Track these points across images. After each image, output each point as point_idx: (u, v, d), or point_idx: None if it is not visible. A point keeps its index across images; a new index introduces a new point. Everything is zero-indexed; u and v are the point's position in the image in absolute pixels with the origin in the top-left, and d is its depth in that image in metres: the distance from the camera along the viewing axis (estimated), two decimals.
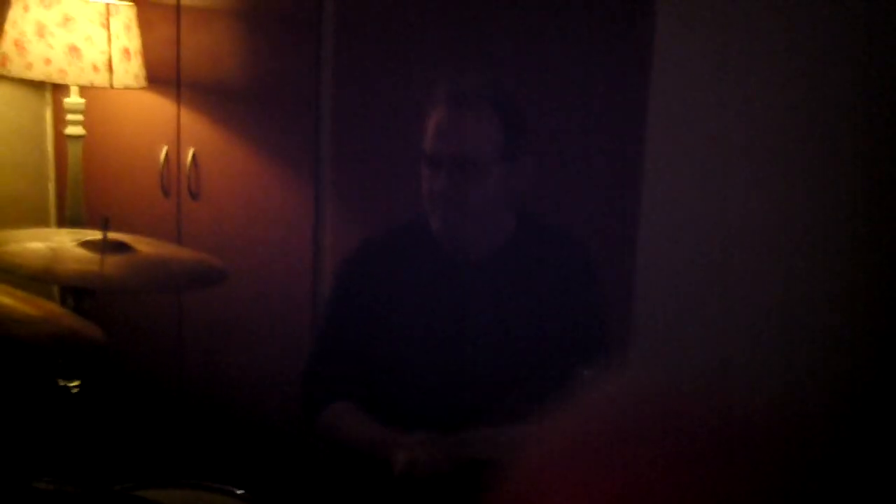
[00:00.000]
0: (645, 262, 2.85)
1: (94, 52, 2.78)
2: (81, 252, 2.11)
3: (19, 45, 2.75)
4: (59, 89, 3.04)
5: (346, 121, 2.96)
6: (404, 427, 2.00)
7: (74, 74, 2.78)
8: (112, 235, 2.18)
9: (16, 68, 2.77)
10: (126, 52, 2.86)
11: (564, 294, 2.12)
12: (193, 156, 3.08)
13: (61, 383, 2.38)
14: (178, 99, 3.08)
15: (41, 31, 2.74)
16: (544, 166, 2.22)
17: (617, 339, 2.35)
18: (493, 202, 2.07)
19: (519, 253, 2.14)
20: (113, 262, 2.10)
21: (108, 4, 2.80)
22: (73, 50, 2.76)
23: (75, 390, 2.36)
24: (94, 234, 2.18)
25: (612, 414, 0.86)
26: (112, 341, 1.99)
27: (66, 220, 3.01)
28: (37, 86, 3.08)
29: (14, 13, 2.77)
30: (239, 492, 2.17)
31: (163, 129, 3.10)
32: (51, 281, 2.36)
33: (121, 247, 2.16)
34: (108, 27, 2.80)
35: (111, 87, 2.87)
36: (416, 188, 2.08)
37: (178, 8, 3.04)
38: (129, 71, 2.88)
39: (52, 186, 3.24)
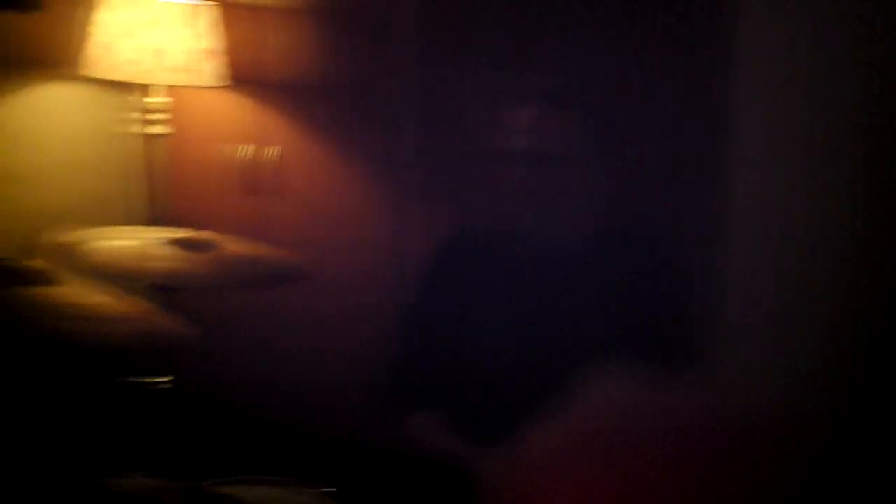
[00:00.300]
0: (729, 264, 2.79)
1: (178, 53, 2.80)
2: (168, 250, 2.14)
3: (105, 47, 2.78)
4: (144, 89, 3.08)
5: (430, 119, 2.95)
6: (489, 433, 1.98)
7: (160, 75, 2.81)
8: (197, 233, 2.20)
9: (102, 69, 2.81)
10: (210, 51, 2.89)
11: (649, 294, 2.09)
12: (278, 155, 3.09)
13: (153, 380, 2.41)
14: (263, 98, 3.10)
15: (127, 33, 2.77)
16: (629, 165, 2.19)
17: (701, 342, 2.30)
18: (577, 200, 2.05)
19: (604, 252, 2.11)
20: (198, 259, 2.13)
21: (193, 5, 2.83)
22: (159, 50, 2.78)
23: (167, 386, 2.39)
24: (180, 232, 2.21)
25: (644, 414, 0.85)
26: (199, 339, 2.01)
27: (152, 218, 3.05)
28: (122, 86, 3.12)
29: (100, 15, 2.80)
30: (328, 489, 2.17)
31: (247, 127, 3.13)
32: (138, 279, 2.39)
33: (206, 245, 2.18)
34: (192, 27, 2.82)
35: (196, 86, 2.89)
36: (499, 186, 2.07)
37: (262, 7, 3.06)
38: (214, 70, 2.90)
39: (137, 185, 3.28)
